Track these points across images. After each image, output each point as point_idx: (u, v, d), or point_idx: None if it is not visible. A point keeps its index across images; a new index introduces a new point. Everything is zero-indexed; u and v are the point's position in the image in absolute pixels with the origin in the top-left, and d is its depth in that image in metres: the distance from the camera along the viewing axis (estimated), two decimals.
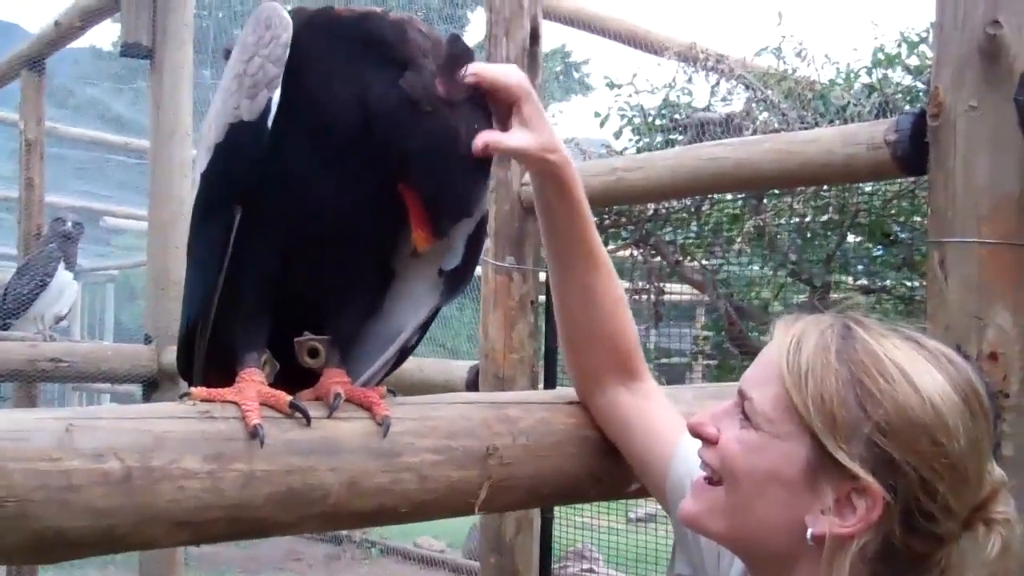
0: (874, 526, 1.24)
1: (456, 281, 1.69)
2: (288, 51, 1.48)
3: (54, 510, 1.26)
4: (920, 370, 1.26)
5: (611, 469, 1.73)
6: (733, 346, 4.66)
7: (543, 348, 3.84)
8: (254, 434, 1.40)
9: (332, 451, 1.47)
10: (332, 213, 1.54)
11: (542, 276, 3.87)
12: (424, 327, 1.73)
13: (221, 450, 1.38)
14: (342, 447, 1.48)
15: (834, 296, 4.52)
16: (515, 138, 1.52)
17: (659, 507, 1.68)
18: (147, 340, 5.45)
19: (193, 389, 1.47)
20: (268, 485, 1.41)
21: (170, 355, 5.35)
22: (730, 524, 1.35)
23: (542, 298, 3.80)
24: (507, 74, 1.52)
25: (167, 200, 5.59)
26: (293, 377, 1.59)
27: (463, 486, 1.59)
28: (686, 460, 1.54)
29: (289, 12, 1.53)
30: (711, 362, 5.00)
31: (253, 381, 1.51)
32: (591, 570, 7.91)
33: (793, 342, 1.31)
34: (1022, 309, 2.18)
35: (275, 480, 1.42)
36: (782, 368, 1.29)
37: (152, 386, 5.38)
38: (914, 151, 2.46)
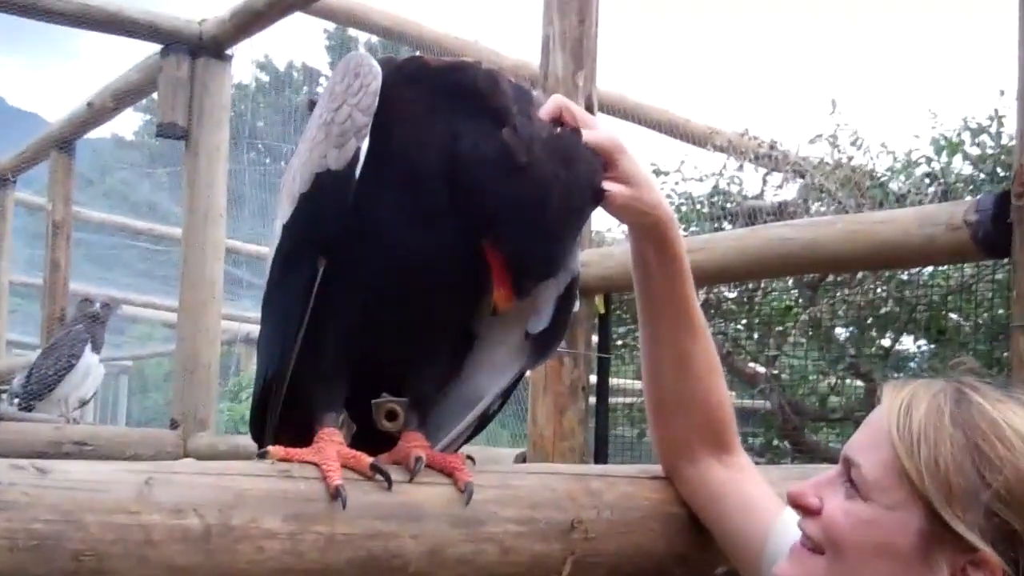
0: None
1: (544, 345, 1.67)
2: (377, 100, 1.49)
3: (131, 565, 1.23)
4: None
5: (698, 549, 1.69)
6: (788, 444, 4.59)
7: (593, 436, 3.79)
8: (336, 495, 1.37)
9: (414, 517, 1.44)
10: (416, 267, 1.52)
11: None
12: (507, 393, 1.71)
13: (302, 511, 1.36)
14: (424, 513, 1.45)
15: None
16: (621, 191, 1.52)
17: None
18: (173, 425, 5.43)
19: (271, 447, 1.45)
20: (349, 549, 1.38)
21: (197, 441, 5.34)
22: None
23: (594, 379, 3.77)
24: (599, 131, 1.52)
25: (199, 283, 5.64)
26: (369, 440, 1.57)
27: (546, 560, 1.55)
28: (785, 538, 1.49)
29: (378, 61, 1.54)
30: (759, 460, 4.92)
31: (333, 441, 1.48)
32: None
33: (903, 406, 1.28)
34: None
35: (356, 544, 1.38)
36: (892, 433, 1.26)
37: None
38: (996, 232, 2.44)
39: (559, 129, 1.48)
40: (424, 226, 1.51)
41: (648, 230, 1.59)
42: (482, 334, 1.70)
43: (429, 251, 1.52)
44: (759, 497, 1.60)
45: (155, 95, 6.28)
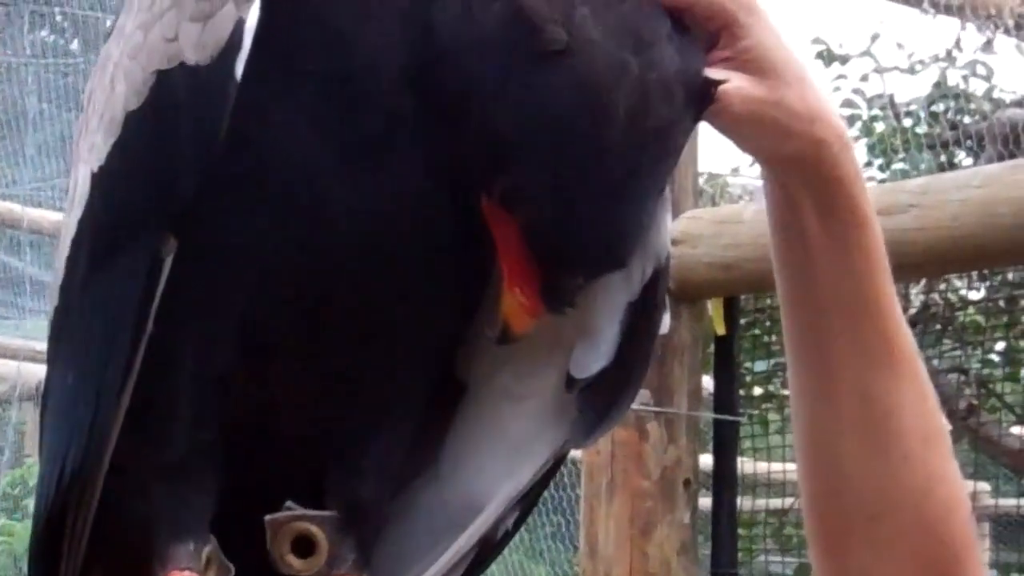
0: None
1: (604, 401, 1.67)
2: None
3: None
4: None
5: None
6: None
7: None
8: None
9: None
10: (350, 251, 1.54)
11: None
12: (533, 496, 1.72)
13: None
14: None
15: None
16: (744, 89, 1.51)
17: None
18: None
19: None
20: None
21: None
22: None
23: (707, 461, 3.79)
24: None
25: None
26: None
27: None
28: None
29: None
30: None
31: None
32: None
33: None
34: None
35: None
36: None
37: None
38: None
39: None
40: (369, 171, 1.52)
41: (798, 166, 1.59)
42: (480, 382, 1.72)
43: (376, 220, 1.53)
44: None
45: None
